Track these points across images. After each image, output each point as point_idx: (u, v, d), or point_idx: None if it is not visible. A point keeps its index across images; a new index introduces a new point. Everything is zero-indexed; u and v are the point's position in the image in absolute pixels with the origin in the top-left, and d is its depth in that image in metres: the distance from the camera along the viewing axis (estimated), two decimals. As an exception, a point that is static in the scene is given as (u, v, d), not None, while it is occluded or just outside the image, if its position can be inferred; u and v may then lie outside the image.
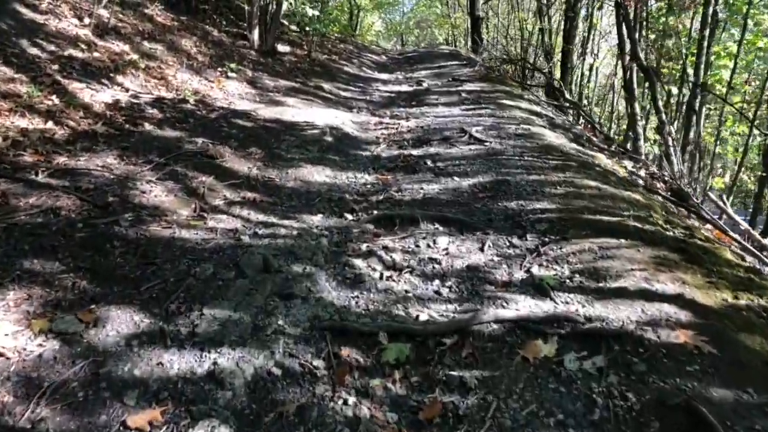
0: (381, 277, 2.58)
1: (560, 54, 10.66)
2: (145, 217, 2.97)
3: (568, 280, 2.49)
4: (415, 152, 4.83)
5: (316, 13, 9.16)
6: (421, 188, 3.71)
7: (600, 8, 12.77)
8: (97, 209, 2.94)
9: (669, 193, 4.95)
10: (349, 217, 3.28)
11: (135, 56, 5.93)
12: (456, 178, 3.89)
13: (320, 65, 9.31)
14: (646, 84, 8.64)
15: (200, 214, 3.14)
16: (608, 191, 3.62)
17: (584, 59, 11.53)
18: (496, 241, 2.93)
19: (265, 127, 5.01)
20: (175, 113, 4.93)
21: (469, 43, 21.60)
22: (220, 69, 6.90)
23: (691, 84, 5.90)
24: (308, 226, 3.10)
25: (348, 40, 12.49)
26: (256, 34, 8.70)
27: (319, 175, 4.07)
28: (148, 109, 4.81)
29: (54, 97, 4.33)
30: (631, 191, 3.80)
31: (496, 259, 2.75)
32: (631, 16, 7.70)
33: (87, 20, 5.96)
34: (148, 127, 4.41)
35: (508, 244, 2.90)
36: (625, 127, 13.28)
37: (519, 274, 2.59)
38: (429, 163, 4.40)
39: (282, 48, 9.47)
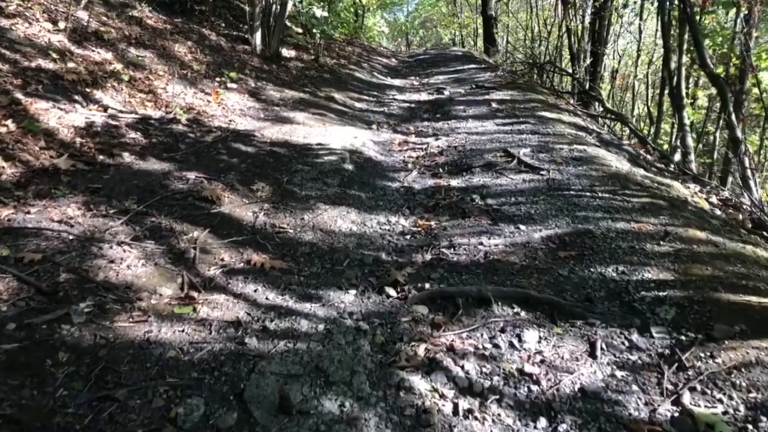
0: (456, 412, 1.71)
1: (589, 57, 9.77)
2: (110, 304, 2.10)
3: (747, 425, 1.62)
4: (455, 183, 3.96)
5: (325, 14, 8.29)
6: (480, 243, 2.83)
7: (626, 6, 11.90)
8: (42, 296, 2.07)
9: (750, 225, 4.08)
10: (393, 293, 2.41)
11: (118, 66, 5.06)
12: (522, 227, 3.01)
13: (329, 71, 8.43)
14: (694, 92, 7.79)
15: (189, 294, 2.27)
16: (728, 247, 2.75)
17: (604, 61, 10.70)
18: (608, 339, 2.06)
19: (272, 153, 4.14)
20: (163, 137, 4.06)
21: (479, 42, 20.76)
22: (218, 79, 6.03)
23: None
24: (338, 314, 2.23)
25: (355, 42, 11.63)
26: (258, 38, 7.83)
27: (343, 220, 3.19)
28: (129, 134, 3.94)
29: (9, 121, 3.46)
30: (753, 244, 2.92)
31: (618, 374, 1.88)
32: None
33: (62, 24, 5.09)
34: (127, 158, 3.54)
35: (627, 344, 2.03)
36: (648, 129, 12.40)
37: (664, 407, 1.72)
38: (478, 200, 3.53)
39: (287, 52, 8.59)
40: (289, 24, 9.39)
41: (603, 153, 4.62)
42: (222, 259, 2.60)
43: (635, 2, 9.98)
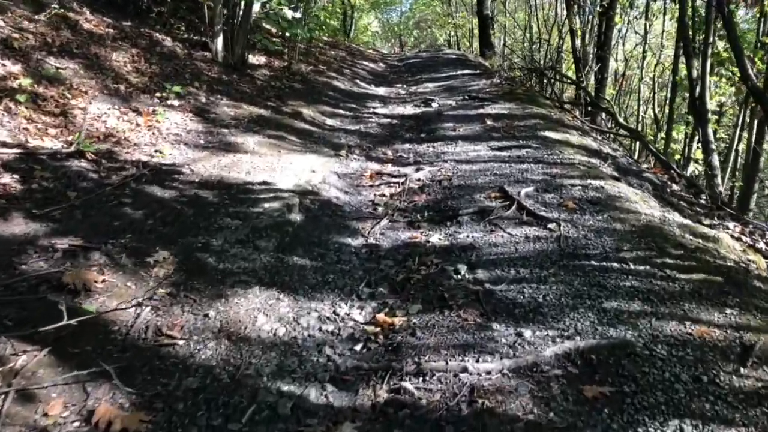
0: None
1: (595, 61, 8.80)
2: None
3: None
4: (436, 239, 2.99)
5: (297, 15, 7.31)
6: (463, 368, 1.85)
7: (632, 5, 10.94)
8: None
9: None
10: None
11: (25, 81, 4.07)
12: (526, 332, 2.04)
13: (302, 80, 7.45)
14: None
15: None
16: None
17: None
18: None
19: (195, 200, 3.15)
20: (51, 181, 3.07)
21: (475, 44, 19.78)
22: (159, 94, 5.04)
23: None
24: None
25: (340, 45, 10.64)
26: (219, 43, 6.84)
27: (268, 316, 2.21)
28: (1, 177, 2.96)
29: None
30: None
31: None
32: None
33: (-49, 31, 4.11)
34: (-23, 218, 2.56)
35: None
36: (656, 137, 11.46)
37: None
38: (464, 272, 2.56)
39: (255, 59, 7.61)
40: (267, 26, 8.39)
41: (625, 190, 3.65)
42: (47, 413, 1.62)
43: (642, 1, 9.02)
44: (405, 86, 8.71)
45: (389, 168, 4.29)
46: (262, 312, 2.22)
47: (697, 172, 8.64)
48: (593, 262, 2.56)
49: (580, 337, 1.98)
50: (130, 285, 2.28)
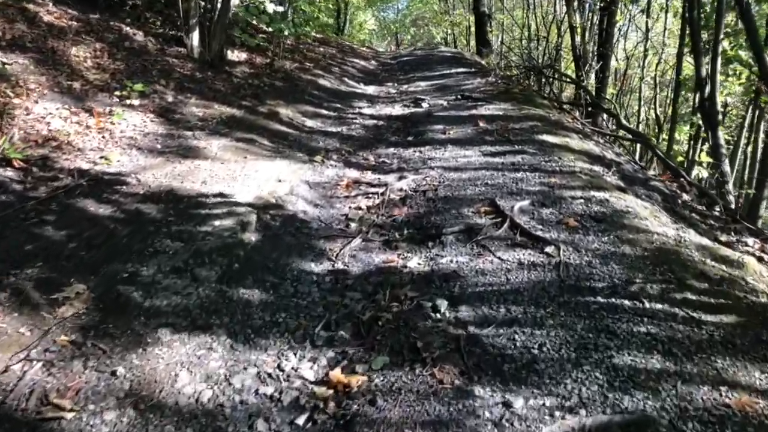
0: None
1: (596, 60, 8.35)
2: None
3: None
4: (414, 263, 2.54)
5: (279, 9, 6.85)
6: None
7: (634, 1, 10.50)
8: None
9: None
10: None
11: (-40, 77, 3.62)
12: (516, 402, 1.58)
13: (285, 78, 6.98)
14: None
15: None
16: None
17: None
18: None
19: (135, 216, 2.70)
20: (-38, 193, 2.62)
21: (472, 42, 19.32)
22: (119, 93, 4.58)
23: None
24: None
25: (331, 42, 10.18)
26: (195, 38, 6.38)
27: (192, 373, 1.76)
28: None
29: None
30: None
31: None
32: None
33: None
34: None
35: None
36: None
37: None
38: (443, 309, 2.11)
39: (235, 55, 7.15)
40: (254, 22, 7.92)
41: (633, 203, 3.21)
42: None
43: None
44: (396, 85, 8.25)
45: (369, 176, 3.84)
46: (187, 367, 1.76)
47: (701, 176, 8.21)
48: (599, 299, 2.12)
49: (586, 410, 1.53)
50: (24, 331, 1.83)
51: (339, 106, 6.34)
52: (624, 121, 5.53)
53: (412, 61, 11.34)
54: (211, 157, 3.68)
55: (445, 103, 6.29)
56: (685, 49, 9.06)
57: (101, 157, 3.40)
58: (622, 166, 4.48)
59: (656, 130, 12.56)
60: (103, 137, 3.77)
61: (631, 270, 2.33)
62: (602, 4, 7.90)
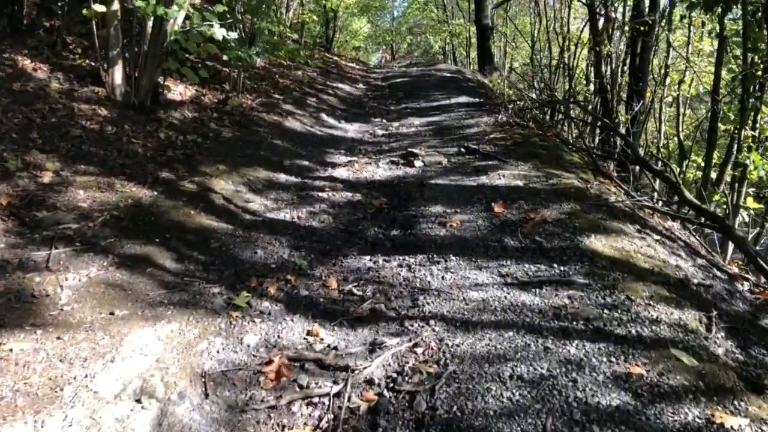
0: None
1: (628, 95, 6.86)
2: None
3: None
4: None
5: (233, 35, 5.35)
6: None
7: (681, 18, 8.99)
8: None
9: None
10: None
11: None
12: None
13: (239, 122, 5.48)
14: None
15: None
16: None
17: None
18: None
19: None
20: None
21: (473, 54, 17.85)
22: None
23: None
24: None
25: (309, 63, 8.67)
26: (118, 74, 4.89)
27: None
28: None
29: None
30: None
31: None
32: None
33: None
34: None
35: None
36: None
37: None
38: None
39: (179, 92, 5.64)
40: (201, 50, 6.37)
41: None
42: None
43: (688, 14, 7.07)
44: (384, 122, 6.75)
45: (319, 343, 2.31)
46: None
47: (746, 221, 6.74)
48: None
49: None
50: None
51: (305, 165, 4.82)
52: (686, 192, 4.06)
53: (406, 84, 9.85)
54: (43, 324, 2.15)
55: (444, 161, 4.79)
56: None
57: None
58: (713, 288, 2.97)
59: (678, 158, 11.07)
60: None
61: None
62: (637, 25, 6.40)
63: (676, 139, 11.28)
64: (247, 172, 4.28)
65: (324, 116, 6.72)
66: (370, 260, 3.05)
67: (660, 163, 5.66)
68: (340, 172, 4.66)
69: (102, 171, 3.65)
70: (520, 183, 4.11)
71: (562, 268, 2.79)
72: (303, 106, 6.84)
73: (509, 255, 2.98)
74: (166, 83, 5.28)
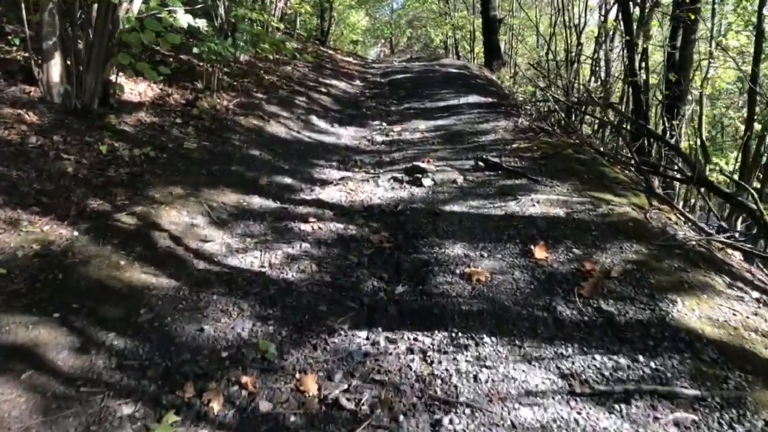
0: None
1: (663, 91, 5.93)
2: None
3: None
4: None
5: (201, 23, 4.40)
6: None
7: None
8: None
9: None
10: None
11: None
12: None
13: (211, 128, 4.54)
14: None
15: None
16: None
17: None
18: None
19: None
20: None
21: (477, 48, 16.85)
22: None
23: None
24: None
25: (298, 57, 7.71)
26: (55, 70, 3.96)
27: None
28: None
29: None
30: None
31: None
32: None
33: None
34: None
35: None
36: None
37: None
38: None
39: (139, 92, 4.70)
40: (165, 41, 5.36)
41: None
42: None
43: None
44: (385, 126, 5.81)
45: None
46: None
47: None
48: None
49: None
50: None
51: (288, 183, 3.89)
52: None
53: (408, 80, 8.89)
54: None
55: (459, 179, 3.86)
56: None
57: None
58: None
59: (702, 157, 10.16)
60: None
61: None
62: (679, 12, 5.45)
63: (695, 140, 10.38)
64: (211, 195, 3.35)
65: (314, 119, 5.77)
66: (367, 339, 2.13)
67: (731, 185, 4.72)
68: (330, 194, 3.72)
69: (7, 200, 2.72)
70: (560, 212, 3.19)
71: (652, 364, 1.88)
72: (290, 106, 5.89)
73: (569, 336, 2.06)
74: (119, 81, 4.33)
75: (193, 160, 3.79)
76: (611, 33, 6.87)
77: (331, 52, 12.28)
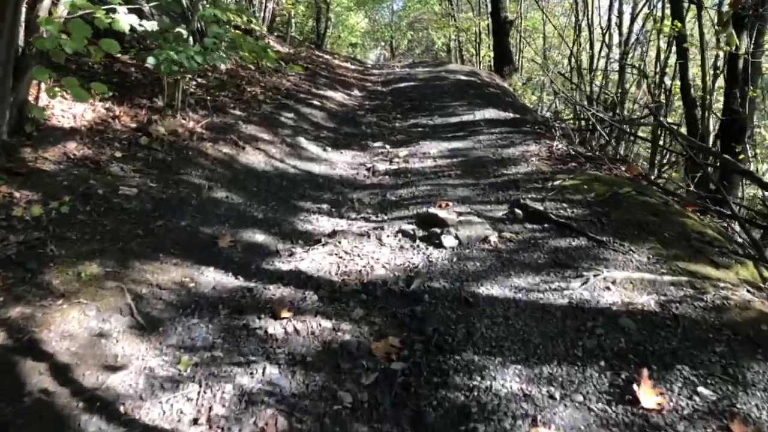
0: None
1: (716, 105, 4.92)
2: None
3: None
4: None
5: (149, 25, 3.39)
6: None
7: None
8: None
9: None
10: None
11: None
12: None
13: (168, 161, 3.51)
14: None
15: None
16: None
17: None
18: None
19: None
20: None
21: (482, 52, 15.83)
22: None
23: None
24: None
25: (285, 66, 6.67)
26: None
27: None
28: None
29: None
30: None
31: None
32: None
33: None
34: None
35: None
36: None
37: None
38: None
39: (73, 114, 3.67)
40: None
41: None
42: None
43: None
44: (388, 149, 4.78)
45: None
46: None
47: None
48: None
49: None
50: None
51: (259, 243, 2.85)
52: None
53: (413, 89, 7.86)
54: None
55: (493, 237, 2.82)
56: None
57: None
58: None
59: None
60: None
61: None
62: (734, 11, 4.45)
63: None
64: (142, 274, 2.32)
65: (303, 141, 4.74)
66: None
67: None
68: (316, 260, 2.69)
69: None
70: (651, 302, 2.17)
71: None
72: (274, 126, 4.86)
73: None
74: (47, 102, 3.31)
75: (127, 214, 2.76)
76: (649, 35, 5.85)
77: (327, 56, 11.26)
